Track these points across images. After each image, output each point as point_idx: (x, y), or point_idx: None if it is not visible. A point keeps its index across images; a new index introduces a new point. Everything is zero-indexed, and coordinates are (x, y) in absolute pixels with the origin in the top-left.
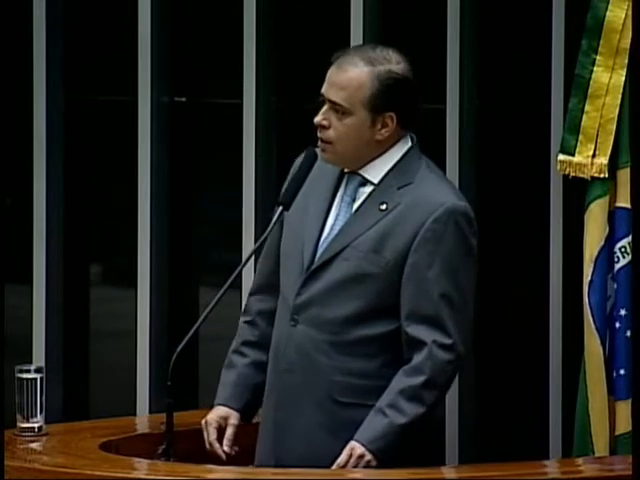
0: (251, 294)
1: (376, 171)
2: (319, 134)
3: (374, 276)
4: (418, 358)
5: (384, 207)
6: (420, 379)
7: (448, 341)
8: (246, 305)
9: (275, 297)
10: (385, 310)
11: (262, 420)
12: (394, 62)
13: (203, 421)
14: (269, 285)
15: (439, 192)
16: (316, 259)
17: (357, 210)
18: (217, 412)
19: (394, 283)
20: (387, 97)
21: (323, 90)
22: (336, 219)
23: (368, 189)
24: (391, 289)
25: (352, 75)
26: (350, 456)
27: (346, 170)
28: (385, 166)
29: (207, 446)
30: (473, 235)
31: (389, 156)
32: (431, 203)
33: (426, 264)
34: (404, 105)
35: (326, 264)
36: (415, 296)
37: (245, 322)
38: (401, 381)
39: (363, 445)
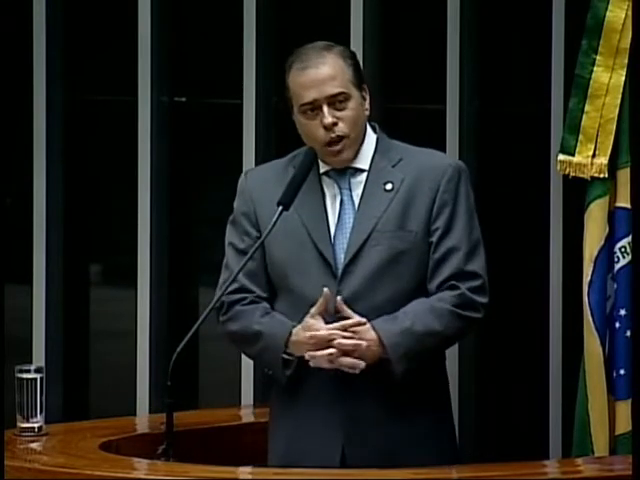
0: (257, 299)
1: (363, 158)
2: (332, 135)
3: (407, 252)
4: (455, 292)
5: (390, 187)
6: (456, 304)
7: (481, 284)
8: (241, 295)
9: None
10: (425, 285)
11: (306, 420)
12: (336, 45)
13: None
14: (264, 298)
15: (435, 157)
16: (339, 253)
17: (362, 197)
18: (302, 329)
19: (426, 253)
20: (359, 70)
21: (314, 95)
22: (341, 210)
23: (360, 176)
24: (426, 260)
25: (330, 65)
26: (355, 335)
27: (324, 169)
28: (369, 151)
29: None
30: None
31: (368, 140)
32: (437, 167)
33: (450, 225)
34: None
35: (357, 255)
36: (447, 258)
37: (250, 302)
38: (439, 299)
39: (376, 332)
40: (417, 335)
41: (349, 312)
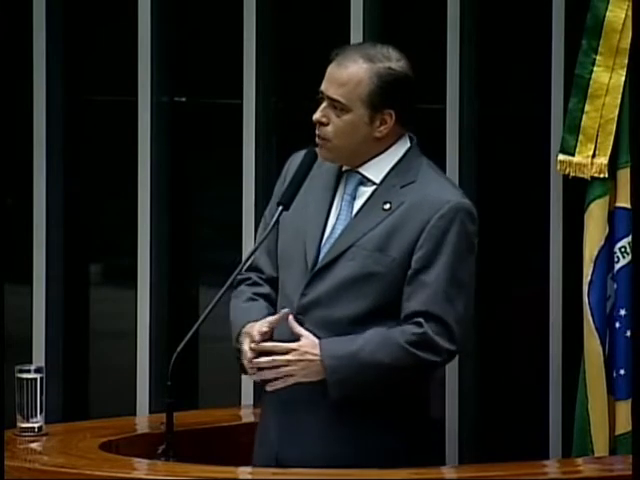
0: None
1: (377, 170)
2: (317, 131)
3: (379, 275)
4: (417, 330)
5: (387, 207)
6: (411, 342)
7: (447, 330)
8: (248, 277)
9: (273, 290)
10: (390, 309)
11: (262, 421)
12: (394, 59)
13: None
14: (272, 279)
15: (443, 190)
16: (320, 259)
17: (360, 210)
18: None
19: (399, 282)
20: (386, 94)
21: (322, 87)
22: (337, 218)
23: (369, 188)
24: (396, 288)
25: (351, 72)
26: (300, 348)
27: (344, 168)
28: (386, 165)
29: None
30: (475, 233)
31: (389, 155)
32: (436, 201)
33: (429, 262)
34: (403, 103)
35: (331, 264)
36: (418, 293)
37: (252, 283)
38: (397, 333)
39: (321, 350)
40: (359, 364)
41: (297, 328)
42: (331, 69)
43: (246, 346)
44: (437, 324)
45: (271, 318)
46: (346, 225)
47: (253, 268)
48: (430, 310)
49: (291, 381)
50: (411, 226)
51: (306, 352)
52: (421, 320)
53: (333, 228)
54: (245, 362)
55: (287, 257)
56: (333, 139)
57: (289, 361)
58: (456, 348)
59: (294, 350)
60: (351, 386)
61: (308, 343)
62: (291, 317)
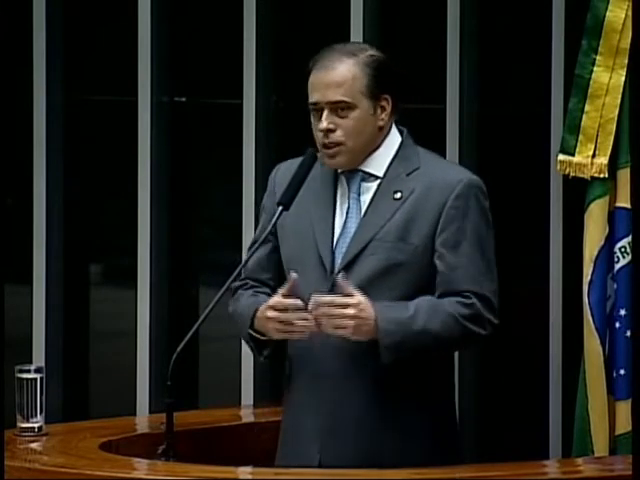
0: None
1: (378, 164)
2: (326, 140)
3: (405, 265)
4: (466, 301)
5: (399, 195)
6: (462, 314)
7: (490, 304)
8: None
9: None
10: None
11: (291, 425)
12: (369, 49)
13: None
14: (269, 284)
15: (451, 170)
16: (337, 259)
17: (370, 204)
18: (265, 306)
19: (425, 268)
20: (380, 80)
21: (317, 98)
22: (347, 217)
23: (372, 182)
24: (423, 275)
25: (343, 70)
26: (359, 303)
27: (341, 170)
28: (386, 157)
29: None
30: (489, 208)
31: (386, 147)
32: (448, 181)
33: (456, 241)
34: (395, 84)
35: (352, 262)
36: (451, 274)
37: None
38: (446, 303)
39: (376, 312)
40: (413, 330)
41: (348, 288)
42: (318, 77)
43: (291, 303)
44: (479, 299)
45: (282, 290)
46: (360, 222)
47: (247, 279)
48: (471, 288)
49: (341, 333)
50: (428, 211)
51: (363, 309)
52: (469, 295)
53: (344, 227)
54: (295, 316)
55: (298, 263)
56: (346, 141)
57: (345, 315)
58: (497, 320)
59: (354, 304)
60: (403, 351)
61: (365, 300)
62: (340, 276)
